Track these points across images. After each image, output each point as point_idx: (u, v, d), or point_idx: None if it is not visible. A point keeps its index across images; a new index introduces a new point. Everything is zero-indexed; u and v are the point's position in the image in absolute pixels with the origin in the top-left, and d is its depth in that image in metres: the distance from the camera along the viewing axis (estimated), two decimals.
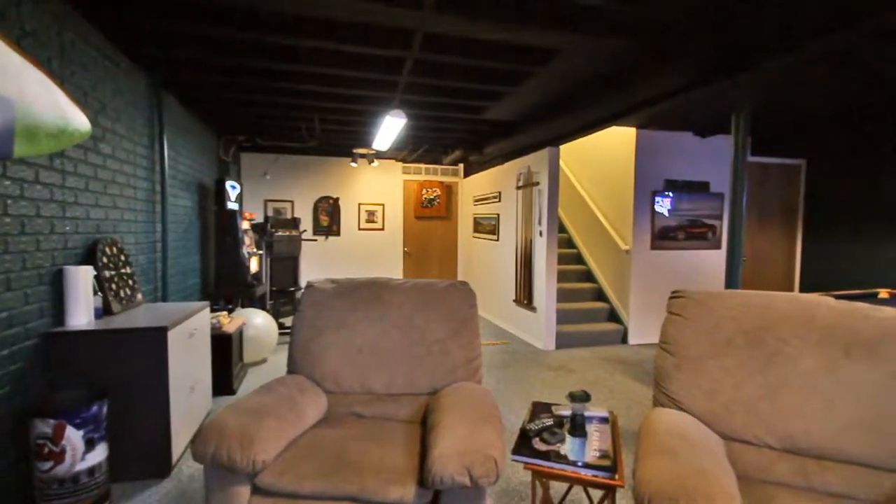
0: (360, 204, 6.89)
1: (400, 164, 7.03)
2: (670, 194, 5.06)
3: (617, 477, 1.41)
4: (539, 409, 1.90)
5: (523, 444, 1.58)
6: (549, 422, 1.71)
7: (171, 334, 2.25)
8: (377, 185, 6.98)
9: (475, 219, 6.85)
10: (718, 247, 5.28)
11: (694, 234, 5.18)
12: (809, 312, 1.57)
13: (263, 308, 5.08)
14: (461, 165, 7.30)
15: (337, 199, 6.77)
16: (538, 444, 1.57)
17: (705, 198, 5.19)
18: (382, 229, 7.02)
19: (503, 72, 3.20)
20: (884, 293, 3.83)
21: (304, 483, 1.38)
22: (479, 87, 3.49)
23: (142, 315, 2.46)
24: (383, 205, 7.00)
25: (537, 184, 4.94)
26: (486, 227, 6.43)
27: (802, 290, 5.65)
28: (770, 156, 5.45)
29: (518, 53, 2.86)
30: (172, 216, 3.64)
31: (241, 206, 4.85)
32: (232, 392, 3.39)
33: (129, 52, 2.84)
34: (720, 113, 4.08)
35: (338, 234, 6.81)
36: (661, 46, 2.68)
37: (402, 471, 1.42)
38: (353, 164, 6.36)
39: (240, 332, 3.74)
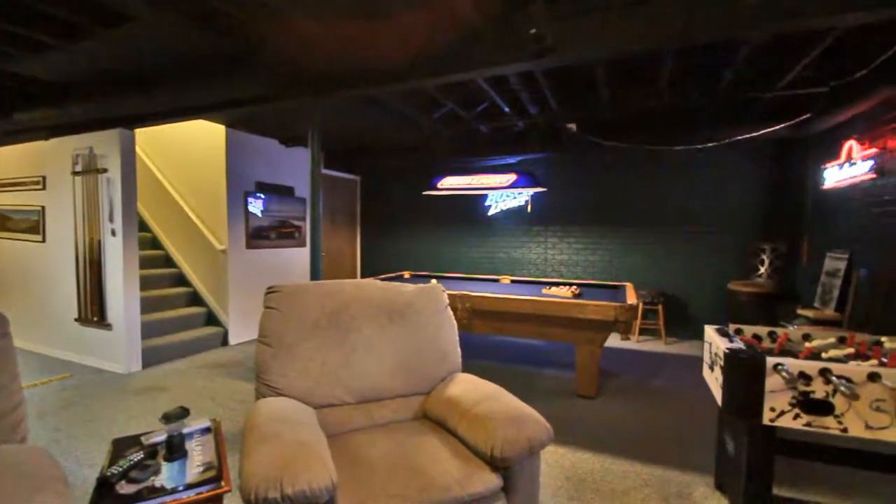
0: None
1: None
2: (262, 196, 5.29)
3: (223, 483, 1.40)
4: (123, 445, 1.60)
5: (103, 496, 1.30)
6: (139, 456, 1.48)
7: None
8: None
9: (0, 212, 4.78)
10: (304, 244, 6.00)
11: (284, 233, 5.66)
12: (367, 293, 2.08)
13: None
14: None
15: None
16: (125, 488, 1.34)
17: (292, 201, 5.76)
18: None
19: (50, 17, 2.40)
20: (406, 274, 5.57)
21: None
22: (4, 26, 2.46)
23: None
24: None
25: (105, 171, 3.99)
26: (23, 224, 4.62)
27: (363, 275, 7.40)
28: (339, 171, 6.75)
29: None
30: None
31: None
32: None
33: None
34: (301, 126, 4.62)
35: None
36: (245, 53, 2.76)
37: None
38: None
39: None
